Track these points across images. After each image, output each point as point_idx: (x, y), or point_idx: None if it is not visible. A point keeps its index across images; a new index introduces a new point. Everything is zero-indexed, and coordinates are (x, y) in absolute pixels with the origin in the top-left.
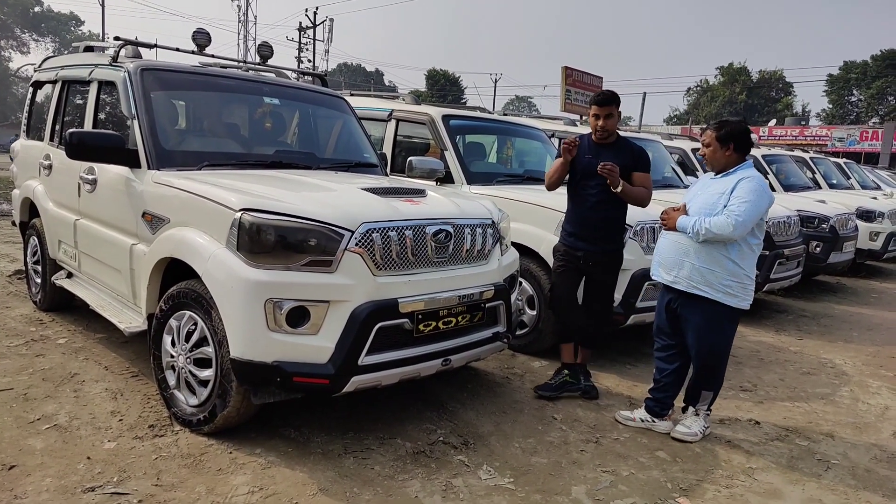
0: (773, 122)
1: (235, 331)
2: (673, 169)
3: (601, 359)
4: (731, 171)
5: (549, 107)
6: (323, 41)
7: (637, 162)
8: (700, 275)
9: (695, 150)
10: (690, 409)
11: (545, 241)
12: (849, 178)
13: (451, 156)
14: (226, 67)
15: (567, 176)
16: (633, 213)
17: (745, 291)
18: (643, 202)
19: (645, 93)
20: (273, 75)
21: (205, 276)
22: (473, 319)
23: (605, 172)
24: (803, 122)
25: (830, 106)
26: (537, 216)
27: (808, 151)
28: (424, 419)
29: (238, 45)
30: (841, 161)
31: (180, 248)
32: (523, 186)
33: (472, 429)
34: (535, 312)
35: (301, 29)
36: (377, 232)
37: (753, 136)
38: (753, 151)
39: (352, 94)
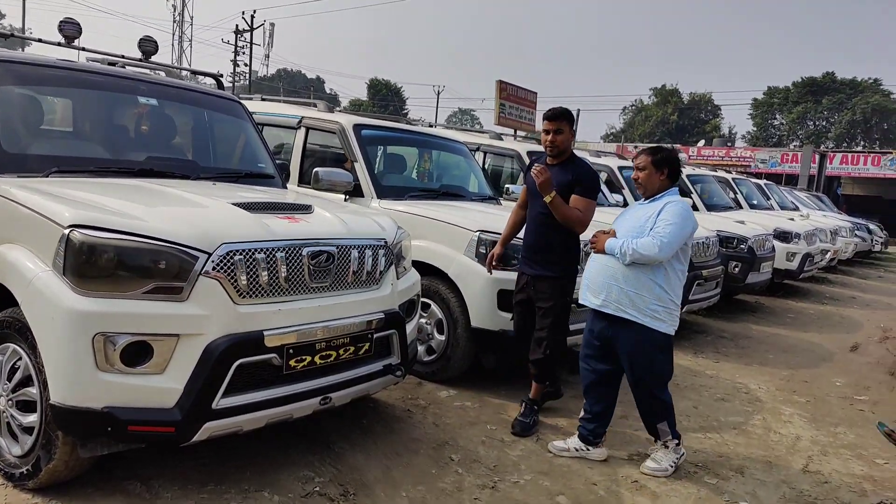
0: (701, 142)
1: (56, 371)
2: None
3: (512, 387)
4: (658, 196)
5: (490, 120)
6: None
7: (577, 183)
8: (628, 298)
9: (622, 168)
10: (658, 442)
11: (455, 261)
12: (769, 198)
13: (360, 168)
14: (108, 63)
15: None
16: None
17: (670, 316)
18: (575, 224)
19: (579, 110)
20: (162, 74)
21: (23, 303)
22: (359, 352)
23: (534, 173)
24: (729, 144)
25: (755, 129)
26: (447, 234)
27: (731, 172)
28: (304, 464)
29: (172, 46)
30: (762, 182)
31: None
32: (437, 202)
33: (357, 475)
34: (443, 337)
35: (237, 32)
36: (241, 254)
37: (684, 156)
38: (612, 163)
39: (263, 99)
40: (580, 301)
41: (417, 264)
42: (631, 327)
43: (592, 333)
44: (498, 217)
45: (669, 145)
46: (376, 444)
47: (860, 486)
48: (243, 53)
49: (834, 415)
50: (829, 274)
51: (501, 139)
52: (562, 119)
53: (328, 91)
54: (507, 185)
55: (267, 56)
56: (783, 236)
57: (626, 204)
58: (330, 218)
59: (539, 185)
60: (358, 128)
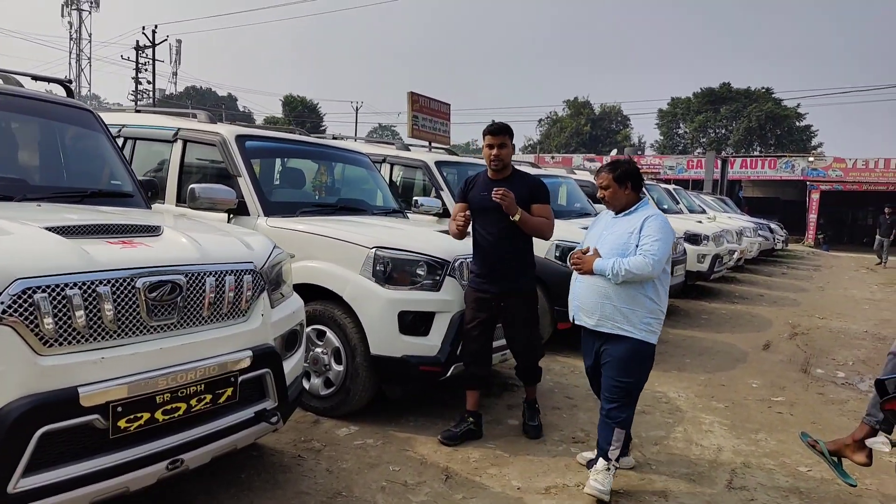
0: (614, 151)
1: None
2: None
3: (422, 416)
4: (632, 209)
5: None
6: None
7: (534, 193)
8: (622, 315)
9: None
10: (601, 461)
11: (350, 282)
12: (678, 202)
13: (244, 183)
14: None
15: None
16: (452, 247)
17: (659, 326)
18: (544, 233)
19: (493, 119)
20: None
21: None
22: (219, 400)
23: (498, 198)
24: (639, 152)
25: (662, 137)
26: (340, 253)
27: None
28: None
29: (70, 63)
30: (671, 187)
31: None
32: (333, 218)
33: None
34: (342, 368)
35: (139, 48)
36: (43, 291)
37: (598, 164)
38: (592, 178)
39: (137, 111)
40: (573, 321)
41: (309, 287)
42: (625, 340)
43: (589, 351)
44: (399, 232)
45: (626, 157)
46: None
47: (787, 502)
48: (145, 70)
49: (753, 420)
50: (738, 273)
51: (409, 150)
52: (504, 133)
53: (241, 109)
54: (415, 198)
55: (174, 73)
56: (693, 239)
57: None
58: (180, 241)
59: (506, 208)
60: (241, 139)
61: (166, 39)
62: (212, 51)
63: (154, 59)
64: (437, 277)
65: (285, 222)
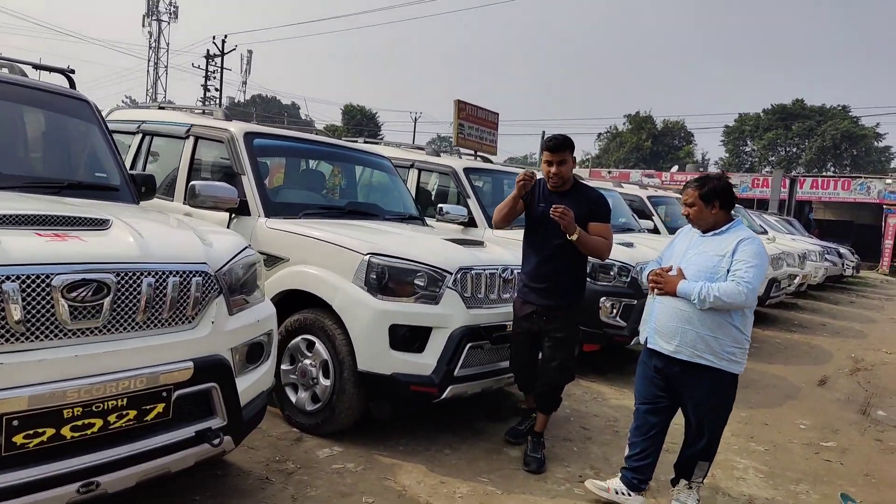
0: (675, 168)
1: None
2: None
3: (413, 439)
4: (723, 229)
5: None
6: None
7: (594, 211)
8: (705, 343)
9: (651, 198)
10: (683, 481)
11: (340, 290)
12: None
13: (248, 181)
14: None
15: (522, 215)
16: (455, 257)
17: (744, 356)
18: (601, 253)
19: (543, 131)
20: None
21: None
22: (145, 417)
23: (556, 216)
24: (702, 169)
25: (727, 155)
26: (334, 258)
27: None
28: None
29: (148, 71)
30: None
31: None
32: (335, 221)
33: None
34: (329, 383)
35: (209, 57)
36: None
37: (657, 181)
38: (639, 192)
39: (161, 107)
40: (648, 345)
41: (299, 294)
42: (705, 371)
43: (653, 376)
44: (401, 238)
45: (718, 172)
46: None
47: None
48: (213, 78)
49: (796, 468)
50: (799, 300)
51: (439, 155)
52: (564, 149)
53: (304, 117)
54: (440, 206)
55: (244, 82)
56: None
57: (656, 230)
58: (123, 237)
59: (564, 228)
60: (249, 136)
61: (235, 49)
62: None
63: (222, 68)
64: (437, 289)
65: (283, 224)
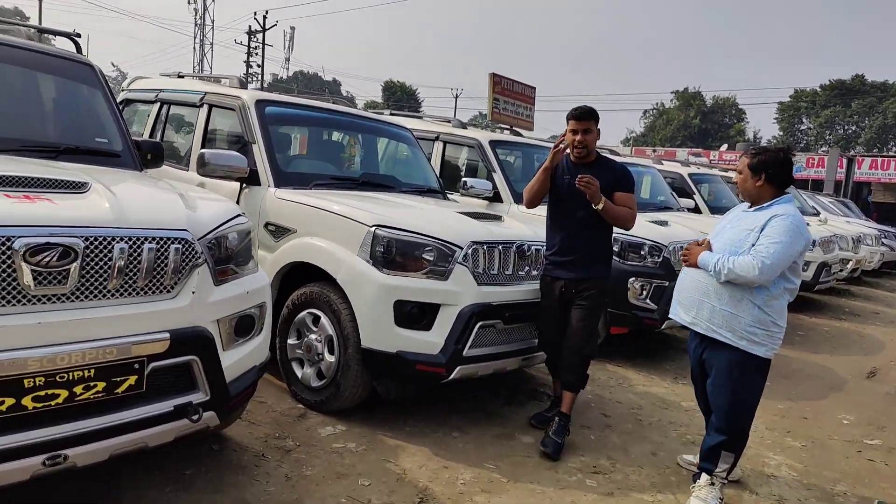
0: (724, 146)
1: None
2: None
3: (422, 421)
4: (765, 205)
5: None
6: (283, 49)
7: (619, 181)
8: (722, 318)
9: (692, 175)
10: (704, 476)
11: (345, 263)
12: None
13: (258, 150)
14: None
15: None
16: (468, 232)
17: (771, 340)
18: (627, 223)
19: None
20: None
21: None
22: (115, 389)
23: (582, 185)
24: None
25: (781, 133)
26: (340, 230)
27: None
28: None
29: (194, 48)
30: None
31: None
32: (346, 193)
33: None
34: (334, 359)
35: (251, 33)
36: None
37: (704, 159)
38: (681, 170)
39: (179, 76)
40: (671, 316)
41: (306, 267)
42: (724, 349)
43: (693, 351)
44: (411, 210)
45: (783, 146)
46: None
47: None
48: (255, 54)
49: (834, 466)
50: (852, 286)
51: (466, 128)
52: (589, 118)
53: (345, 93)
54: (464, 180)
55: (287, 59)
56: None
57: (697, 209)
58: (98, 201)
59: (589, 197)
60: (261, 104)
61: (276, 24)
62: (322, 36)
63: (264, 44)
64: (446, 264)
65: (292, 194)
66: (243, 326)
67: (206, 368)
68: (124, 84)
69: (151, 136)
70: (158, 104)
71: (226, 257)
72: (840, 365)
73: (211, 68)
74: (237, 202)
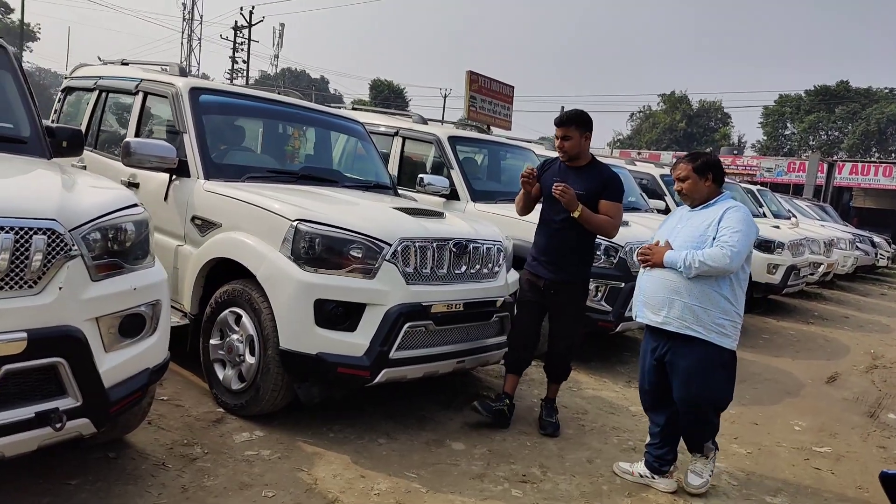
0: (708, 150)
1: None
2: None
3: (348, 423)
4: (711, 202)
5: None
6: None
7: (606, 188)
8: (692, 314)
9: (663, 176)
10: (697, 454)
11: (266, 260)
12: (761, 205)
13: (189, 140)
14: None
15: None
16: (398, 228)
17: (735, 331)
18: (606, 231)
19: (563, 106)
20: None
21: None
22: None
23: (557, 194)
24: (736, 152)
25: (765, 138)
26: (263, 224)
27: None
28: None
29: (182, 43)
30: (754, 188)
31: None
32: (282, 186)
33: None
34: (254, 360)
35: (236, 28)
36: None
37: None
38: (652, 170)
39: (123, 63)
40: (637, 318)
41: (231, 263)
42: (694, 344)
43: (650, 352)
44: (347, 206)
45: (705, 151)
46: None
47: None
48: (241, 50)
49: (778, 475)
50: (825, 290)
51: (426, 123)
52: (569, 124)
53: (332, 91)
54: (420, 176)
55: (276, 56)
56: (765, 245)
57: (667, 210)
58: None
59: (565, 204)
60: (196, 92)
61: (262, 20)
62: (310, 34)
63: (249, 39)
64: (373, 262)
65: (221, 187)
66: (131, 326)
67: (76, 372)
68: (67, 72)
69: (89, 124)
70: (97, 92)
71: (110, 250)
72: (800, 369)
73: (199, 63)
74: (165, 195)
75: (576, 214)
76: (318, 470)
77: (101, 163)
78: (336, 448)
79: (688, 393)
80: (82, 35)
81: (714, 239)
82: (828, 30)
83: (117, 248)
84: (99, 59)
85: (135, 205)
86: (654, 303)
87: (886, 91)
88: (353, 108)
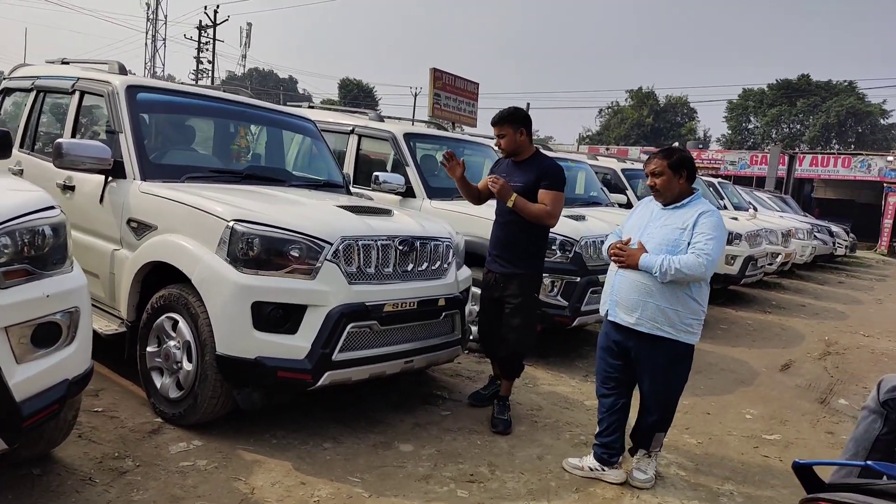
0: (675, 144)
1: None
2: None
3: (291, 430)
4: (684, 202)
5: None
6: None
7: (543, 178)
8: (664, 316)
9: (625, 171)
10: (641, 450)
11: (201, 262)
12: (722, 198)
13: (125, 140)
14: None
15: (485, 193)
16: (340, 226)
17: (700, 327)
18: (542, 219)
19: (529, 103)
20: None
21: None
22: None
23: (489, 185)
24: (701, 146)
25: (730, 132)
26: (199, 226)
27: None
28: None
29: (146, 44)
30: (716, 181)
31: None
32: (223, 186)
33: None
34: (192, 367)
35: (201, 28)
36: None
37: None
38: (613, 165)
39: (63, 62)
40: (609, 318)
41: (164, 267)
42: (661, 344)
43: (611, 347)
44: (286, 205)
45: (679, 145)
46: None
47: None
48: (207, 50)
49: (727, 464)
50: (784, 279)
51: (382, 121)
52: (502, 123)
53: (301, 91)
54: (375, 174)
55: (243, 56)
56: None
57: (629, 204)
58: None
59: (498, 195)
60: (132, 90)
61: (228, 20)
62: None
63: (214, 39)
64: (314, 262)
65: (157, 188)
66: (45, 335)
67: None
68: (6, 72)
69: (27, 126)
70: (34, 92)
71: (21, 256)
72: (755, 358)
73: (164, 64)
74: (101, 197)
75: (510, 204)
76: (257, 478)
77: (38, 166)
78: (278, 455)
79: (654, 386)
80: (46, 38)
81: (689, 244)
82: (790, 25)
83: (30, 253)
84: (63, 62)
85: (50, 207)
86: (627, 304)
87: (846, 84)
88: (310, 107)
